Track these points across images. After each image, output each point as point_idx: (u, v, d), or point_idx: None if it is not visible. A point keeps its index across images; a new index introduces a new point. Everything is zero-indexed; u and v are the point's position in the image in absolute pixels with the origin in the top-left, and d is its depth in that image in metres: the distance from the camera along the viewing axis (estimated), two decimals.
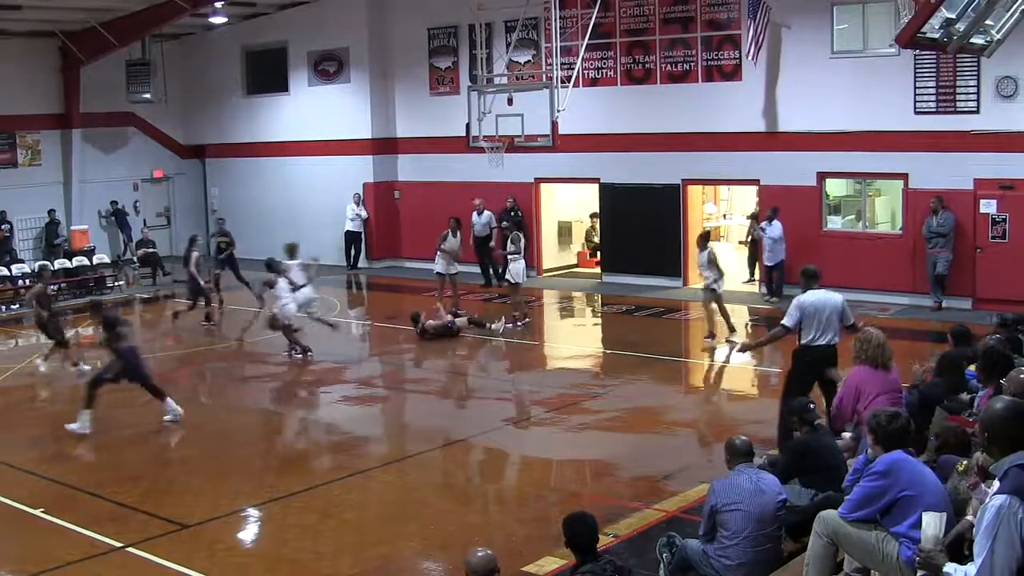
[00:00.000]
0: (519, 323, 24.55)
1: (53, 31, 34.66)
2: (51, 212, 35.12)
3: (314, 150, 35.50)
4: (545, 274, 31.56)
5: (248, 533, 13.43)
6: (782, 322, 14.35)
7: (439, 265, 25.97)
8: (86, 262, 33.07)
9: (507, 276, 25.51)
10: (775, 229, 25.93)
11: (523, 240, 25.30)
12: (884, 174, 25.69)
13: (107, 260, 34.03)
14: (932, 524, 7.26)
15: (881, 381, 11.39)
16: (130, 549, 12.29)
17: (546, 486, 14.67)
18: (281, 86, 36.67)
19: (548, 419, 17.41)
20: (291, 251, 24.31)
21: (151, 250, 34.58)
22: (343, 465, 15.56)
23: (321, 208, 35.13)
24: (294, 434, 18.17)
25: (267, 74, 37.09)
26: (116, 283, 32.94)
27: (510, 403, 18.85)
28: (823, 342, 13.99)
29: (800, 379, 13.98)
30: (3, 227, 33.56)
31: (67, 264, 32.59)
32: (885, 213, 26.93)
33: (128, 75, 36.16)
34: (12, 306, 29.04)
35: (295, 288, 22.95)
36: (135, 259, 34.68)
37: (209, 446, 16.72)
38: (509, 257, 25.10)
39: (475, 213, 30.33)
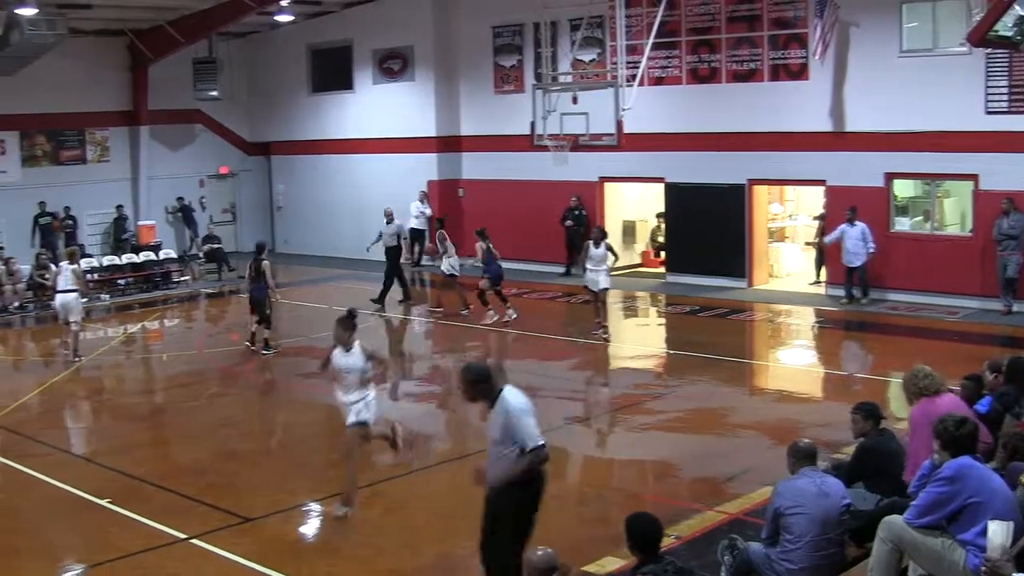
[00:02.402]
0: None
1: (122, 30, 35.04)
2: (119, 208, 35.54)
3: (378, 148, 35.59)
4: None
5: (309, 527, 13.49)
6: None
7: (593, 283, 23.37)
8: (153, 257, 33.39)
9: (442, 268, 26.52)
10: (856, 230, 25.55)
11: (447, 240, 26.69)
12: (953, 175, 25.33)
13: (173, 255, 34.30)
14: (999, 533, 7.15)
15: (946, 405, 11.08)
16: (193, 541, 12.39)
17: (608, 486, 14.62)
18: (346, 84, 36.79)
19: (611, 419, 17.35)
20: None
21: (216, 246, 34.84)
22: (404, 462, 15.55)
23: (385, 205, 35.04)
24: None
25: (332, 72, 37.23)
26: (182, 278, 33.22)
27: (573, 402, 18.78)
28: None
29: None
30: (67, 222, 33.93)
31: (134, 259, 32.92)
32: (954, 215, 26.56)
33: (195, 73, 36.52)
34: (82, 299, 29.25)
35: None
36: (201, 255, 34.95)
37: (272, 441, 16.86)
38: (444, 254, 26.25)
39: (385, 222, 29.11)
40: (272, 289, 22.91)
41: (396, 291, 27.90)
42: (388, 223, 28.43)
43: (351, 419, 13.59)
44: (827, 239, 26.46)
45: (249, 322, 23.30)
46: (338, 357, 13.53)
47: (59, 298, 22.89)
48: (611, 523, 11.71)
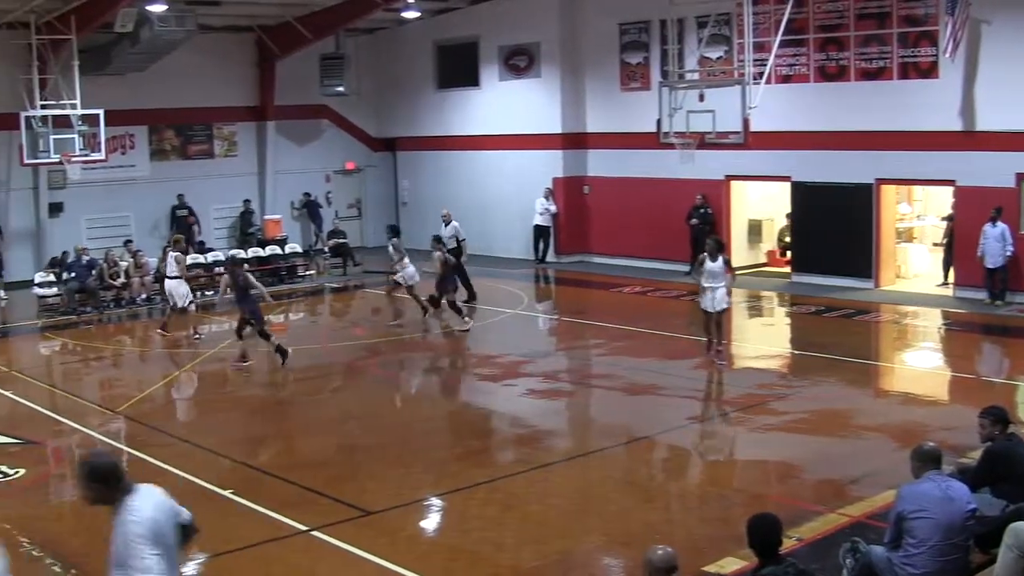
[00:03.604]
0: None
1: (250, 26, 35.60)
2: (246, 202, 36.13)
3: (504, 144, 35.72)
4: (733, 272, 31.17)
5: (430, 522, 13.62)
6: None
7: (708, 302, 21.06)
8: (279, 251, 33.87)
9: (397, 279, 25.38)
10: (996, 230, 25.08)
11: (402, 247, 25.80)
12: None
13: (299, 250, 34.75)
14: None
15: None
16: (314, 533, 12.56)
17: (729, 486, 14.55)
18: (472, 80, 36.96)
19: (733, 419, 17.27)
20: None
21: (342, 241, 35.23)
22: (526, 458, 15.62)
23: (509, 202, 35.33)
24: (478, 426, 18.32)
25: (458, 68, 37.42)
26: (307, 272, 33.65)
27: (695, 401, 18.72)
28: None
29: None
30: (184, 212, 34.55)
31: (260, 252, 33.40)
32: None
33: (322, 68, 36.98)
34: (207, 292, 29.81)
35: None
36: (326, 249, 35.36)
37: (394, 435, 16.95)
38: (398, 265, 25.23)
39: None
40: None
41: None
42: (445, 225, 28.46)
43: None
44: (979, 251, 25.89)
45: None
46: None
47: (166, 284, 24.76)
48: (732, 523, 11.67)
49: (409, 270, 25.22)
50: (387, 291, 26.54)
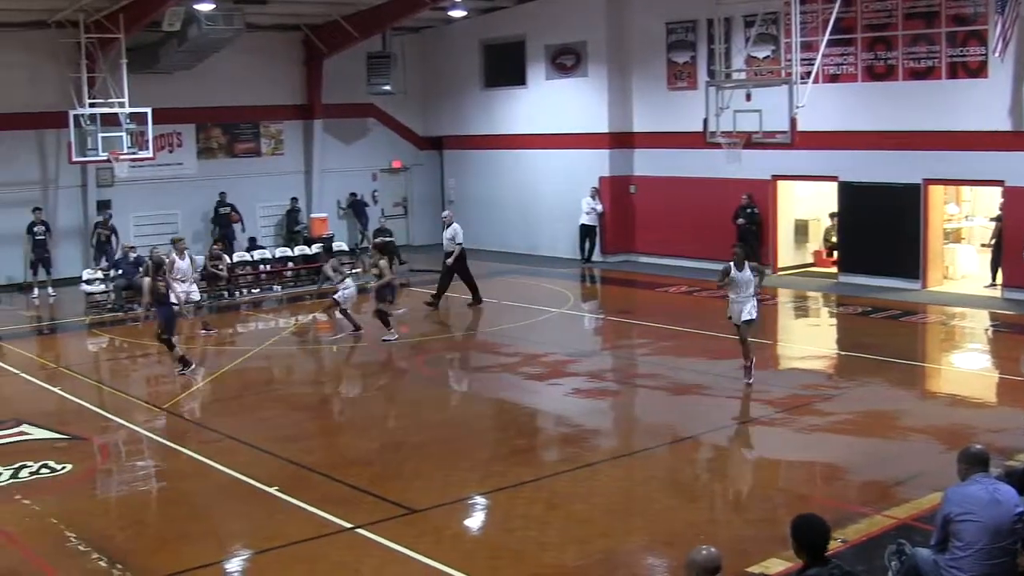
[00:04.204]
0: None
1: (297, 24, 35.75)
2: (293, 200, 36.30)
3: (550, 143, 35.71)
4: (780, 272, 31.08)
5: (474, 520, 13.64)
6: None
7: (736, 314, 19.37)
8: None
9: (336, 298, 24.71)
10: None
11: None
12: None
13: (345, 248, 34.84)
14: None
15: None
16: (359, 530, 12.60)
17: (774, 486, 14.49)
18: (518, 79, 36.97)
19: (778, 419, 17.18)
20: None
21: (388, 239, 35.27)
22: (571, 458, 15.62)
23: (555, 201, 35.33)
24: (523, 425, 18.32)
25: (505, 67, 37.45)
26: (353, 271, 33.68)
27: (740, 401, 18.63)
28: None
29: None
30: (227, 210, 34.73)
31: (306, 251, 33.52)
32: None
33: (368, 67, 37.09)
34: (253, 290, 29.94)
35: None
36: (372, 248, 35.37)
37: (439, 433, 16.96)
38: (339, 284, 24.64)
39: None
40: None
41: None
42: (446, 227, 28.30)
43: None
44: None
45: None
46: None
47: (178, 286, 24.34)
48: (777, 524, 11.64)
49: (349, 291, 24.74)
50: (326, 307, 26.04)
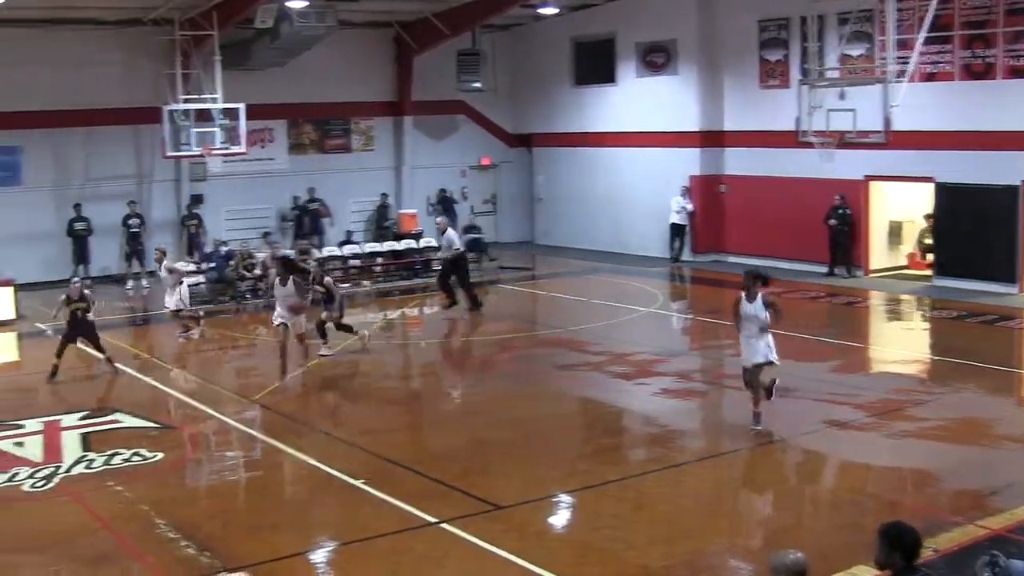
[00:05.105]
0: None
1: (388, 21, 35.90)
2: (384, 196, 36.46)
3: (640, 141, 35.56)
4: (872, 275, 30.68)
5: (559, 518, 13.60)
6: None
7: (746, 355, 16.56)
8: (413, 245, 34.06)
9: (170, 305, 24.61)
10: None
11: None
12: None
13: (434, 244, 34.93)
14: None
15: None
16: (443, 525, 12.61)
17: (862, 492, 14.25)
18: (608, 77, 36.85)
19: (869, 424, 16.92)
20: None
21: (477, 236, 35.32)
22: (657, 458, 15.56)
23: (644, 199, 35.17)
24: (609, 424, 18.24)
25: (594, 65, 37.34)
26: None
27: (830, 405, 18.38)
28: None
29: None
30: (315, 205, 34.92)
31: (395, 246, 33.67)
32: None
33: (459, 64, 37.11)
34: (343, 284, 30.03)
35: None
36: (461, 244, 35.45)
37: (524, 430, 16.94)
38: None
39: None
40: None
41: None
42: (441, 235, 28.20)
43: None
44: None
45: None
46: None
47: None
48: (865, 530, 11.43)
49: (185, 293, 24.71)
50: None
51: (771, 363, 16.11)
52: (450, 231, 27.91)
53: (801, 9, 29.60)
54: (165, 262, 24.97)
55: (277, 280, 20.93)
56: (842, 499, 14.00)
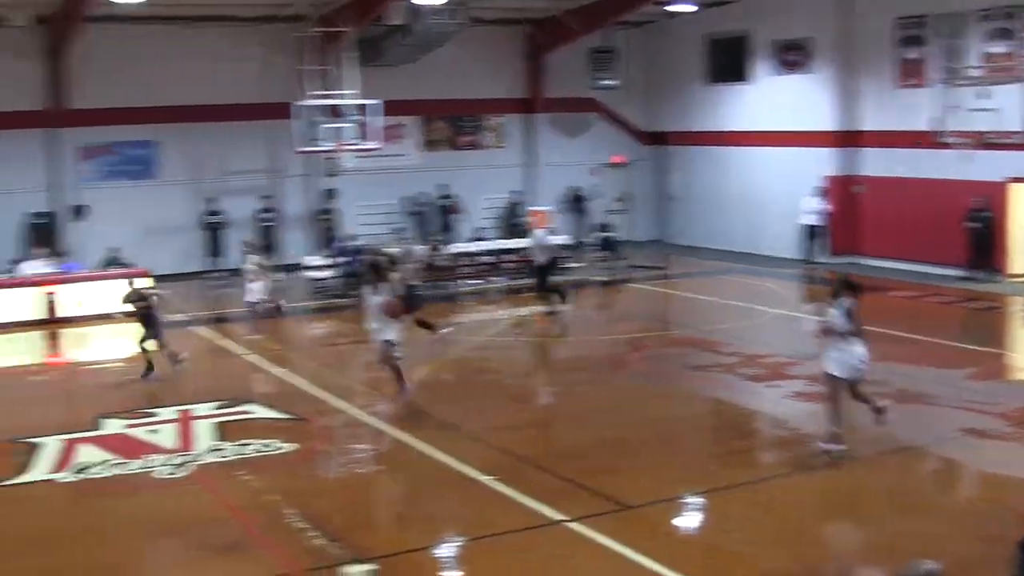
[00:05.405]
0: None
1: (520, 19, 35.99)
2: (514, 193, 36.52)
3: (774, 140, 35.20)
4: (1012, 279, 29.95)
5: (688, 520, 13.45)
6: None
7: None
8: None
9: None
10: None
11: None
12: None
13: (564, 242, 34.87)
14: None
15: None
16: (570, 524, 12.58)
17: (1002, 504, 13.87)
18: (742, 75, 36.56)
19: (1010, 433, 16.51)
20: None
21: (609, 234, 35.19)
22: (788, 461, 15.34)
23: (778, 199, 34.78)
24: (740, 426, 18.05)
25: (728, 63, 37.07)
26: (573, 265, 33.71)
27: (968, 412, 17.96)
28: None
29: None
30: (448, 202, 35.10)
31: (525, 244, 33.59)
32: None
33: (591, 62, 37.07)
34: (473, 281, 30.21)
35: None
36: (593, 242, 35.39)
37: (654, 430, 16.85)
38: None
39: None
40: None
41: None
42: (529, 232, 28.55)
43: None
44: None
45: None
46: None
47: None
48: (1003, 543, 11.12)
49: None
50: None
51: (853, 378, 14.90)
52: (537, 230, 27.84)
53: (940, 6, 29.13)
54: (256, 257, 25.26)
55: (370, 288, 18.72)
56: (979, 510, 13.65)
